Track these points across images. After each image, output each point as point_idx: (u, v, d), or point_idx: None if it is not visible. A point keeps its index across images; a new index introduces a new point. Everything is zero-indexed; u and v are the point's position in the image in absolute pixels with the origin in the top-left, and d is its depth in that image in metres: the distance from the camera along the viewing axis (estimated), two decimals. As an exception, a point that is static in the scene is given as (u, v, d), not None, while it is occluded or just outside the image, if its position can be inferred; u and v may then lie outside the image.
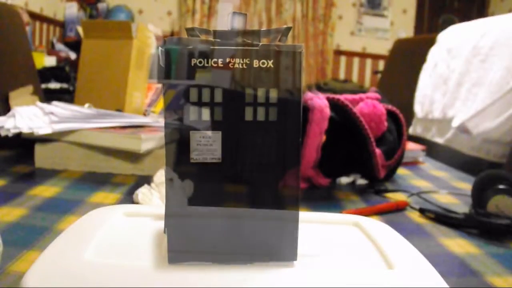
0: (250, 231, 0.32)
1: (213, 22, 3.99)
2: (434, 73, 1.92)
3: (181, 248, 0.31)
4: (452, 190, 0.83)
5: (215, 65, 0.31)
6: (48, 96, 1.38)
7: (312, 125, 0.74)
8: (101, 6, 3.61)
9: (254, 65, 0.31)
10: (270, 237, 0.32)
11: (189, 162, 0.31)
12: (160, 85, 1.17)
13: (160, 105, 1.29)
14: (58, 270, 0.30)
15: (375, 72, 4.11)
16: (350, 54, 4.47)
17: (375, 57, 4.46)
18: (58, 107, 0.85)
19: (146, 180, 0.74)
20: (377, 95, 0.88)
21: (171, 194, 0.32)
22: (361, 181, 0.84)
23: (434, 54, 1.99)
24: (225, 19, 0.32)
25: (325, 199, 0.73)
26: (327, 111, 0.75)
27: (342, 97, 0.79)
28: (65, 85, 1.81)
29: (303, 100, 0.76)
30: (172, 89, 0.31)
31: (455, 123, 1.59)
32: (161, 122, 0.92)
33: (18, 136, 0.77)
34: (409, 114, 2.06)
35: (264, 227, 0.32)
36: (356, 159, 0.82)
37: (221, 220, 0.32)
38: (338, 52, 4.44)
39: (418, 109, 1.98)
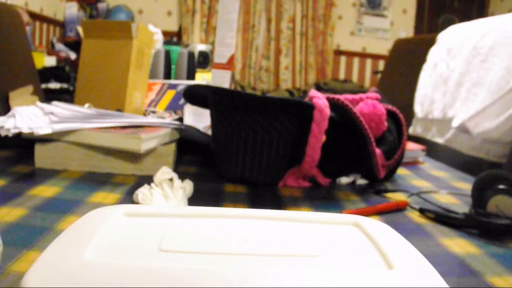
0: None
1: (213, 22, 3.98)
2: (434, 73, 1.92)
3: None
4: (452, 190, 0.83)
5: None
6: (48, 96, 1.38)
7: (313, 125, 0.74)
8: (101, 6, 3.61)
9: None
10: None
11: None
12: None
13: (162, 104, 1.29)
14: (58, 270, 0.30)
15: (375, 72, 4.12)
16: (350, 54, 4.47)
17: (375, 57, 4.47)
18: (58, 107, 0.85)
19: (146, 180, 0.74)
20: (377, 95, 0.88)
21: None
22: (361, 181, 0.84)
23: (434, 54, 1.99)
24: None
25: (325, 199, 0.73)
26: (327, 111, 0.75)
27: (342, 97, 0.79)
28: (65, 85, 1.81)
29: (307, 98, 0.76)
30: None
31: (455, 123, 1.59)
32: (161, 121, 0.92)
33: (18, 136, 0.77)
34: (409, 114, 2.06)
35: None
36: (356, 159, 0.82)
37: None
38: (338, 52, 4.44)
39: (418, 109, 1.98)
